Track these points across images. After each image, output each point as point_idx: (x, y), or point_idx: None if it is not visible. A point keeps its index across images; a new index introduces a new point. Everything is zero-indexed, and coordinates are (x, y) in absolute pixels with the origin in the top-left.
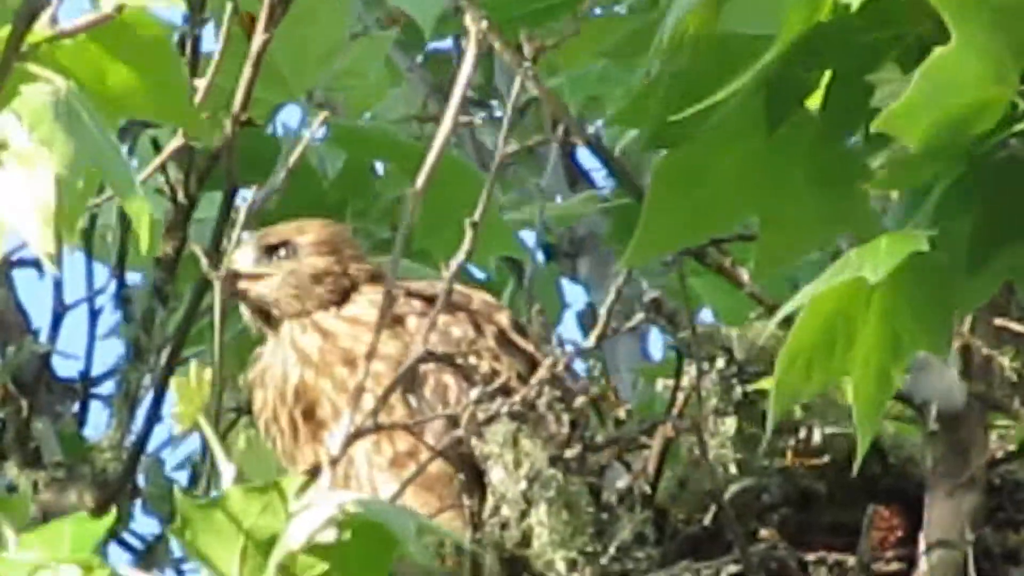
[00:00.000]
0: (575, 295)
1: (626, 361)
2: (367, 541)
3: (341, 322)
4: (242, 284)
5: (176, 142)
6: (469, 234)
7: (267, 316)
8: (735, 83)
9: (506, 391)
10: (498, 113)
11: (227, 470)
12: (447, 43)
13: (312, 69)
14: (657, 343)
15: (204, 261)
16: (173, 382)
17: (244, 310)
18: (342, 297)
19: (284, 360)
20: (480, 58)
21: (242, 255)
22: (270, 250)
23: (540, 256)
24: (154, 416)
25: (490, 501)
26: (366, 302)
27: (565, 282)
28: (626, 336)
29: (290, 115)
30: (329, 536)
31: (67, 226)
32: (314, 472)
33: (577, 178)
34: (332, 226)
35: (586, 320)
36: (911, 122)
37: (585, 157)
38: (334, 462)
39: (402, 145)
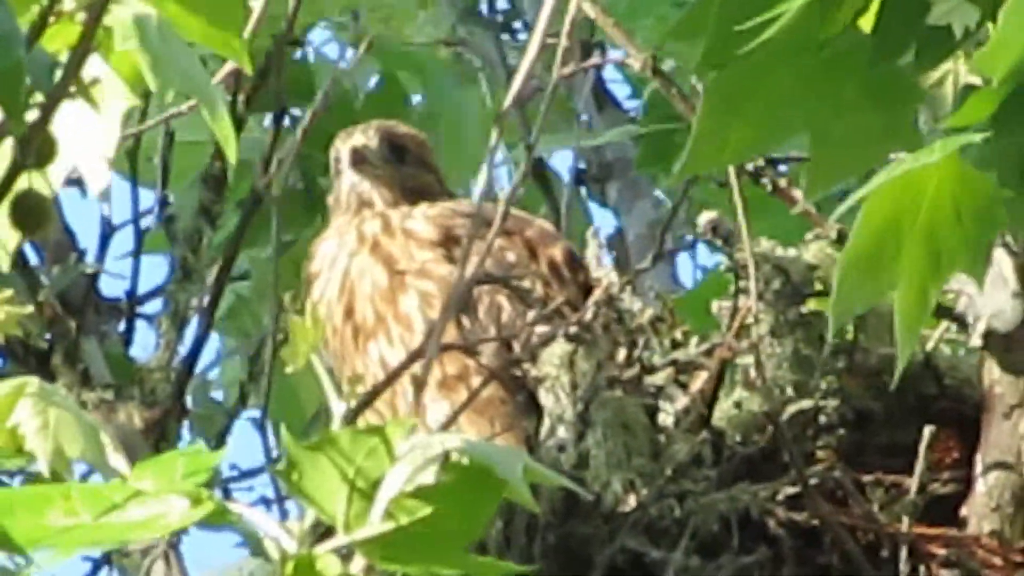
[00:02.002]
0: (604, 220)
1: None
2: (472, 484)
3: (398, 229)
4: (367, 163)
5: (228, 66)
6: (525, 155)
7: (361, 204)
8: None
9: (559, 315)
10: (523, 37)
11: (338, 408)
12: None
13: None
14: (687, 270)
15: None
16: (289, 321)
17: (348, 184)
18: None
19: (343, 244)
20: None
21: (369, 136)
22: (392, 147)
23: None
24: (203, 337)
25: (546, 423)
26: (421, 217)
27: (593, 206)
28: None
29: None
30: (429, 477)
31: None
32: (371, 395)
33: (605, 103)
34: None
35: (615, 245)
36: (998, 61)
37: (613, 82)
38: (420, 386)
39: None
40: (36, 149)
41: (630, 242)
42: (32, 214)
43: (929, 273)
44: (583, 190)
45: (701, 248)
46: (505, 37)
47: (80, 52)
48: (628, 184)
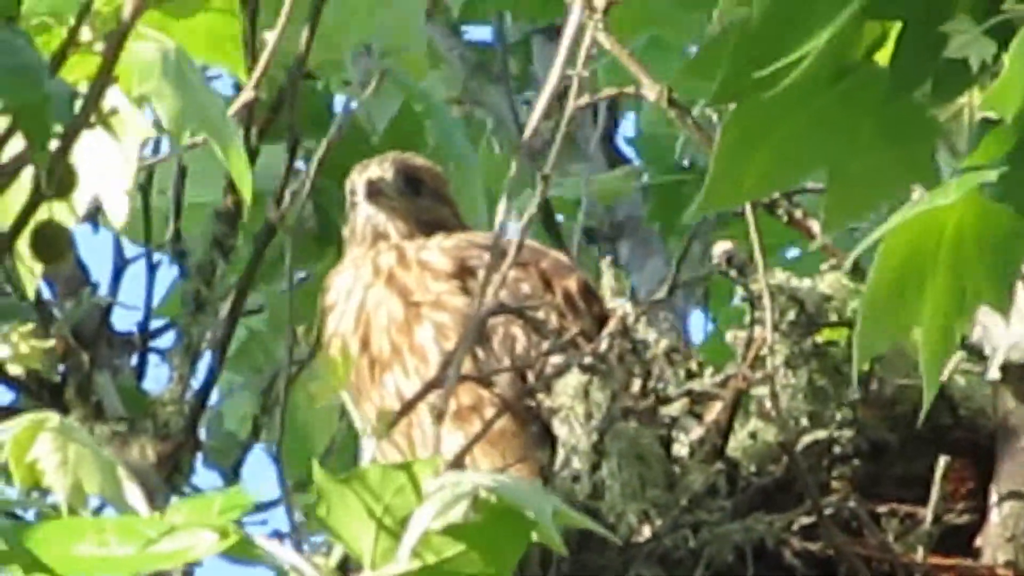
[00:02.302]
0: None
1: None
2: (500, 524)
3: (413, 261)
4: (382, 195)
5: (243, 97)
6: (540, 187)
7: (376, 237)
8: (813, 40)
9: (574, 346)
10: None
11: (368, 447)
12: (486, 34)
13: (354, 29)
14: (698, 325)
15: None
16: (318, 356)
17: (363, 216)
18: None
19: (359, 277)
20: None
21: (385, 168)
22: (408, 179)
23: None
24: (216, 370)
25: (561, 454)
26: (437, 248)
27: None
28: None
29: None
30: (459, 514)
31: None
32: (391, 420)
33: (616, 163)
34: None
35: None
36: (1007, 99)
37: (623, 142)
38: (440, 416)
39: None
40: (57, 179)
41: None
42: (52, 244)
43: (954, 309)
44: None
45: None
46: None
47: (100, 83)
48: (639, 242)
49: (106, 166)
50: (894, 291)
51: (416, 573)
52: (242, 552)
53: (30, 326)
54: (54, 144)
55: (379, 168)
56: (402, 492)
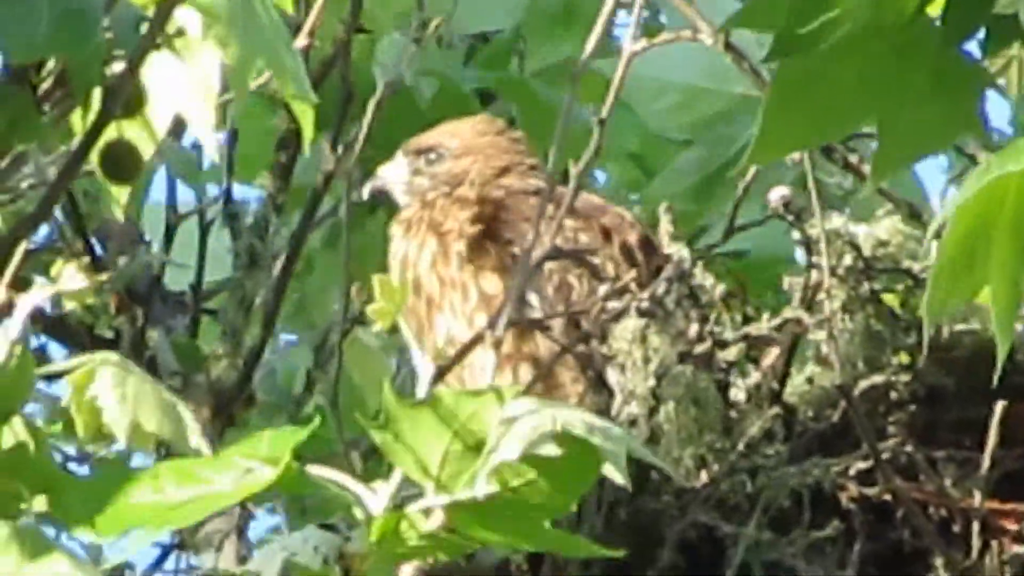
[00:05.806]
0: None
1: None
2: (573, 455)
3: (439, 196)
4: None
5: (295, 45)
6: (596, 132)
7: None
8: None
9: (630, 291)
10: None
11: (426, 369)
12: None
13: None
14: None
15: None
16: (376, 279)
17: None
18: None
19: (400, 238)
20: None
21: (392, 166)
22: (419, 153)
23: None
24: (269, 324)
25: (618, 399)
26: (468, 184)
27: None
28: None
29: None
30: (549, 450)
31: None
32: (445, 369)
33: None
34: (483, 125)
35: None
36: None
37: None
38: (498, 344)
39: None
40: (125, 98)
41: None
42: (122, 163)
43: (1019, 265)
44: None
45: None
46: None
47: (167, 5)
48: None
49: (187, 84)
50: (965, 254)
51: (485, 500)
52: (297, 484)
53: (84, 260)
54: (119, 66)
55: (382, 171)
56: (475, 418)
